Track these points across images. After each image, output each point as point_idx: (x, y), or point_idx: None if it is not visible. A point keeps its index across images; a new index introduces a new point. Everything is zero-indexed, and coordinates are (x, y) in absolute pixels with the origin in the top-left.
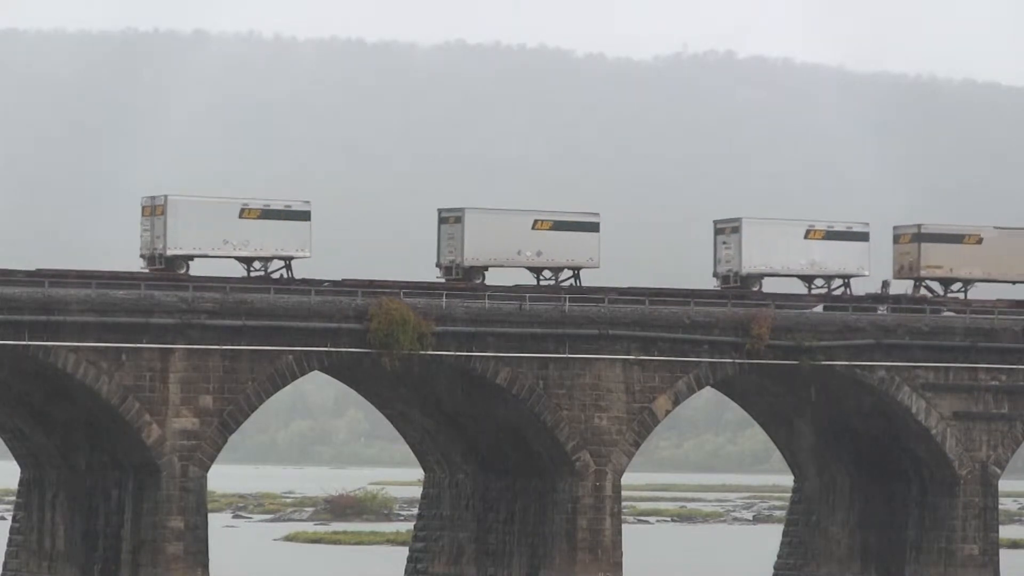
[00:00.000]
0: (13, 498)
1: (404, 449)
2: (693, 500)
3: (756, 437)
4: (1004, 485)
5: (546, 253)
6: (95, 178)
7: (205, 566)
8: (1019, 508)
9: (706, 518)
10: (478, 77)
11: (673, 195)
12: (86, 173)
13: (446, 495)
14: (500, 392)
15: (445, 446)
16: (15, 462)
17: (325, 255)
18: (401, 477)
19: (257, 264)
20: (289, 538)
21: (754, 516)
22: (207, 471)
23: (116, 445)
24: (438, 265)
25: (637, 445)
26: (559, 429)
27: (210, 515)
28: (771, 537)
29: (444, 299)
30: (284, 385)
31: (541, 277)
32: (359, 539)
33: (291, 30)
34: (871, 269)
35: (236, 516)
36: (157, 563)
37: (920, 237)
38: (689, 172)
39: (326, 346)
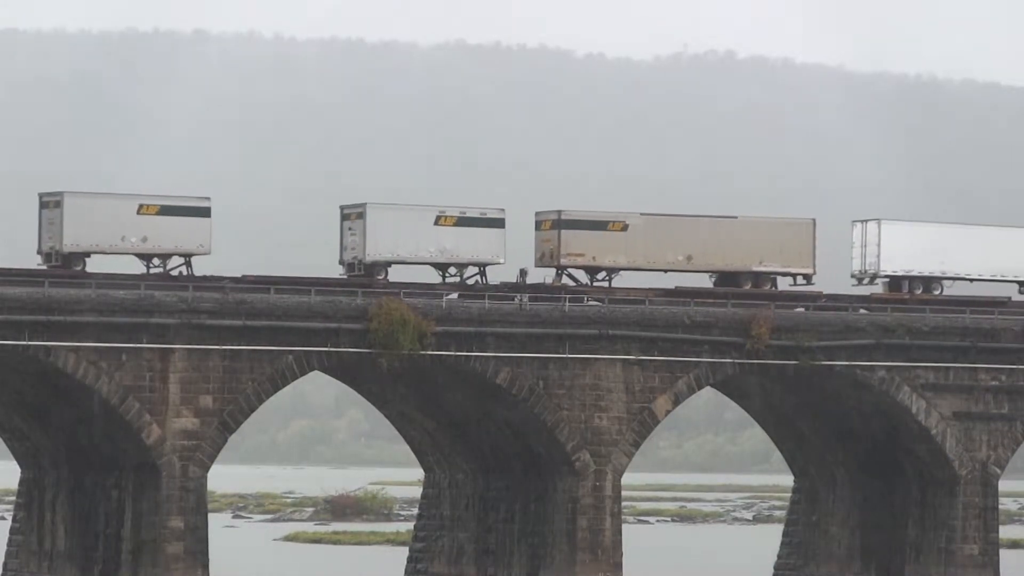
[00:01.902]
0: (13, 498)
1: (404, 449)
2: (693, 500)
3: (756, 437)
4: (1004, 485)
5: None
6: (95, 178)
7: (205, 566)
8: (1019, 508)
9: (706, 518)
10: (478, 77)
11: (673, 195)
12: (86, 173)
13: (446, 495)
14: (500, 392)
15: (445, 446)
16: (15, 462)
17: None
18: (401, 477)
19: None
20: (289, 538)
21: (754, 516)
22: (207, 471)
23: (116, 445)
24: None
25: (637, 445)
26: (559, 429)
27: (210, 515)
28: (771, 537)
29: (444, 299)
30: (284, 385)
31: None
32: (359, 539)
33: (291, 30)
34: (507, 256)
35: (236, 516)
36: (157, 563)
37: (560, 224)
38: (689, 172)
39: (326, 346)
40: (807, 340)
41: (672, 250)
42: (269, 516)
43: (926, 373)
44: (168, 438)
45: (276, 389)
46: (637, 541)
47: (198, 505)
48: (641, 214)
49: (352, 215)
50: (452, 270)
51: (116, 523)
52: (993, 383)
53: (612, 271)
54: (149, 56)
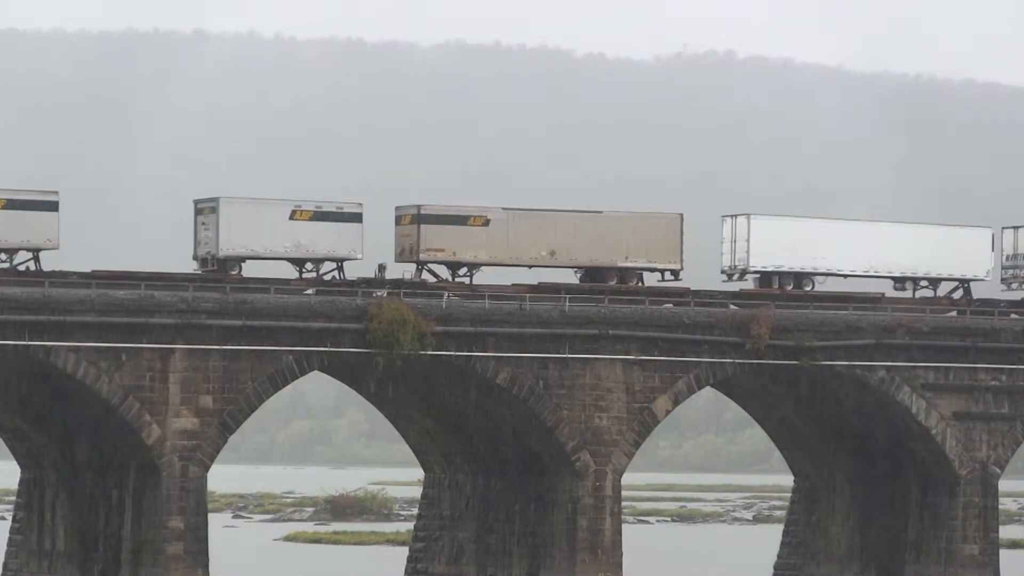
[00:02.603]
0: (13, 498)
1: (404, 449)
2: (693, 500)
3: (756, 437)
4: (1004, 485)
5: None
6: (95, 178)
7: (205, 566)
8: (1019, 508)
9: (706, 518)
10: (478, 77)
11: (673, 195)
12: (86, 173)
13: (446, 495)
14: (500, 392)
15: (445, 446)
16: (15, 462)
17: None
18: (401, 477)
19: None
20: (289, 538)
21: (754, 516)
22: (207, 471)
23: (116, 445)
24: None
25: (637, 445)
26: (559, 429)
27: (210, 515)
28: (771, 537)
29: (444, 299)
30: (284, 385)
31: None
32: (359, 539)
33: (291, 30)
34: (365, 252)
35: (236, 516)
36: (157, 563)
37: (420, 218)
38: (689, 172)
39: (326, 346)
40: (807, 340)
41: (535, 245)
42: (269, 516)
43: (926, 373)
44: (168, 438)
45: (276, 389)
46: (637, 541)
47: (198, 505)
48: (503, 208)
49: (205, 209)
50: (309, 265)
51: (116, 523)
52: (993, 383)
53: (473, 266)
54: (149, 56)
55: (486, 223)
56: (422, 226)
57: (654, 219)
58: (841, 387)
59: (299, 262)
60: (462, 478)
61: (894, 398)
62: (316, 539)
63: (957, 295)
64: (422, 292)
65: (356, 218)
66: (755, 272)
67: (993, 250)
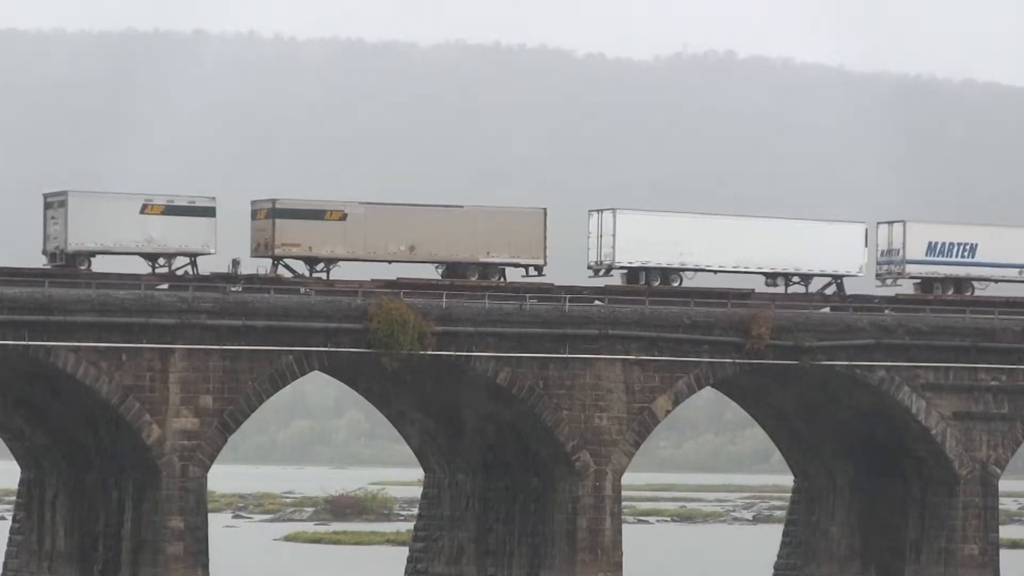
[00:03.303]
0: (13, 498)
1: (404, 449)
2: (693, 500)
3: (756, 437)
4: (1004, 485)
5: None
6: (95, 178)
7: (205, 566)
8: (1019, 508)
9: (706, 518)
10: (478, 77)
11: (673, 195)
12: (86, 173)
13: (446, 495)
14: (500, 392)
15: (445, 446)
16: (15, 462)
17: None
18: (401, 477)
19: (161, 260)
20: (289, 538)
21: (754, 516)
22: (207, 471)
23: (116, 445)
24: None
25: (637, 445)
26: (559, 429)
27: (210, 515)
28: (771, 537)
29: (444, 299)
30: (284, 385)
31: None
32: (359, 539)
33: (291, 30)
34: (218, 246)
35: (236, 516)
36: (157, 563)
37: (275, 213)
38: (689, 172)
39: (326, 346)
40: (807, 340)
41: (394, 240)
42: (269, 516)
43: (926, 373)
44: (168, 438)
45: (276, 389)
46: (637, 541)
47: (198, 505)
48: (361, 203)
49: (54, 203)
50: (161, 261)
51: (116, 523)
52: (993, 383)
53: (331, 262)
54: (149, 56)
55: (343, 218)
56: (277, 221)
57: (517, 214)
58: (841, 387)
59: (151, 257)
60: (462, 478)
61: (894, 398)
62: (316, 539)
63: (830, 291)
64: (422, 292)
65: (209, 212)
66: (622, 268)
67: (867, 245)
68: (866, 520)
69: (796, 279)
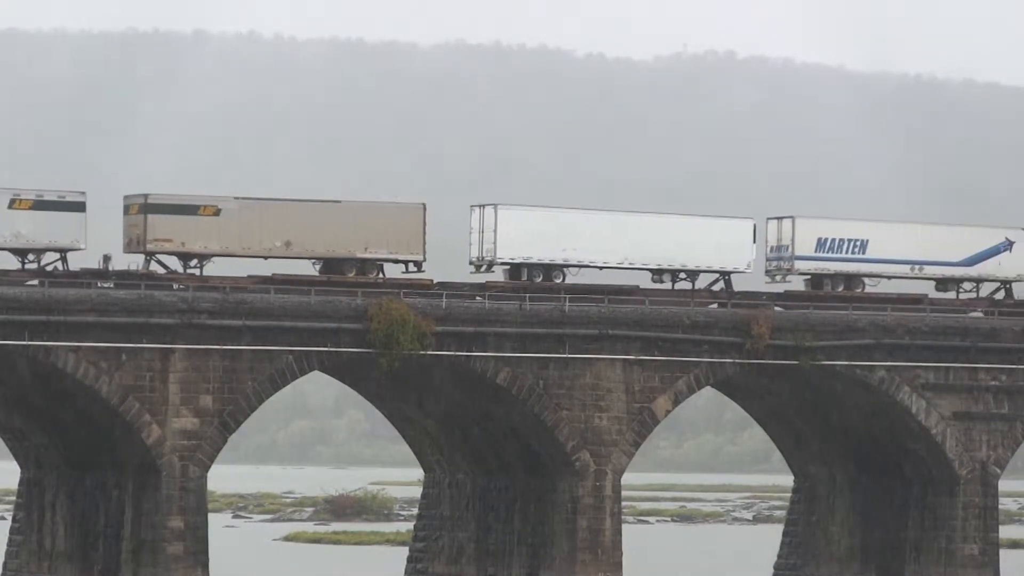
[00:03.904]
0: (13, 498)
1: (404, 449)
2: (693, 500)
3: (756, 437)
4: (1004, 485)
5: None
6: (95, 178)
7: (205, 566)
8: (1019, 508)
9: (706, 518)
10: (478, 77)
11: (673, 195)
12: (86, 173)
13: (446, 495)
14: (500, 392)
15: (445, 446)
16: (15, 462)
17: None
18: (401, 477)
19: (31, 256)
20: (289, 538)
21: (754, 516)
22: (207, 471)
23: (116, 445)
24: None
25: (637, 445)
26: (559, 429)
27: (210, 515)
28: (771, 537)
29: (444, 299)
30: (284, 385)
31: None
32: (359, 539)
33: (291, 30)
34: (88, 242)
35: (236, 516)
36: (157, 563)
37: (147, 208)
38: (689, 172)
39: (326, 346)
40: (807, 340)
41: (269, 236)
42: (269, 516)
43: (926, 373)
44: (168, 438)
45: (276, 389)
46: (637, 541)
47: (198, 505)
48: (235, 198)
49: None
50: (31, 256)
51: (116, 523)
52: (993, 383)
53: (204, 257)
54: (149, 56)
55: (217, 212)
56: (149, 216)
57: (395, 209)
58: (841, 387)
59: (20, 252)
60: (462, 478)
61: (894, 398)
62: (316, 539)
63: (718, 287)
64: (422, 292)
65: (79, 207)
66: (503, 263)
67: (755, 241)
68: (866, 520)
69: (683, 275)
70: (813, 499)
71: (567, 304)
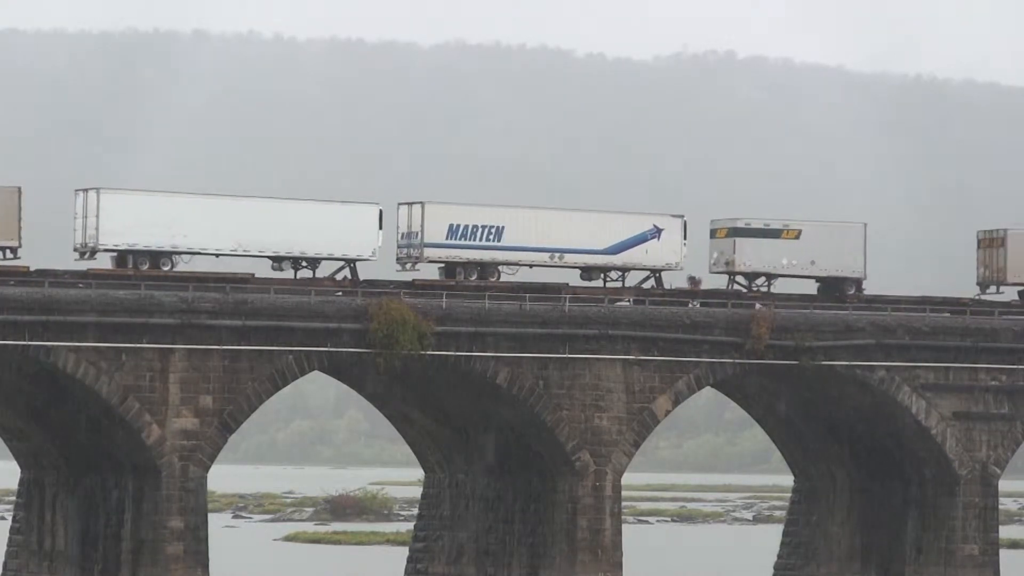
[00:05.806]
0: (13, 498)
1: (404, 449)
2: (693, 500)
3: (756, 437)
4: (1004, 485)
5: None
6: (95, 178)
7: (205, 566)
8: (1019, 508)
9: (706, 518)
10: (478, 77)
11: (673, 195)
12: (86, 173)
13: (446, 495)
14: (500, 392)
15: (445, 446)
16: (15, 462)
17: None
18: (401, 477)
19: None
20: (289, 538)
21: (754, 516)
22: (207, 471)
23: (116, 445)
24: None
25: (637, 445)
26: (559, 429)
27: (210, 515)
28: (771, 537)
29: (444, 299)
30: (284, 385)
31: None
32: (359, 539)
33: (291, 30)
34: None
35: (236, 516)
36: (157, 563)
37: None
38: (689, 172)
39: (326, 346)
40: (807, 340)
41: None
42: (269, 516)
43: (926, 373)
44: (168, 438)
45: (276, 389)
46: (637, 541)
47: (198, 505)
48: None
49: None
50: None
51: (116, 523)
52: (993, 383)
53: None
54: (149, 56)
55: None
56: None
57: None
58: (841, 387)
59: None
60: (462, 478)
61: (894, 398)
62: (316, 539)
63: (341, 276)
64: (422, 292)
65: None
66: (108, 250)
67: (381, 228)
68: (866, 520)
69: (304, 263)
70: (813, 499)
71: (567, 304)
